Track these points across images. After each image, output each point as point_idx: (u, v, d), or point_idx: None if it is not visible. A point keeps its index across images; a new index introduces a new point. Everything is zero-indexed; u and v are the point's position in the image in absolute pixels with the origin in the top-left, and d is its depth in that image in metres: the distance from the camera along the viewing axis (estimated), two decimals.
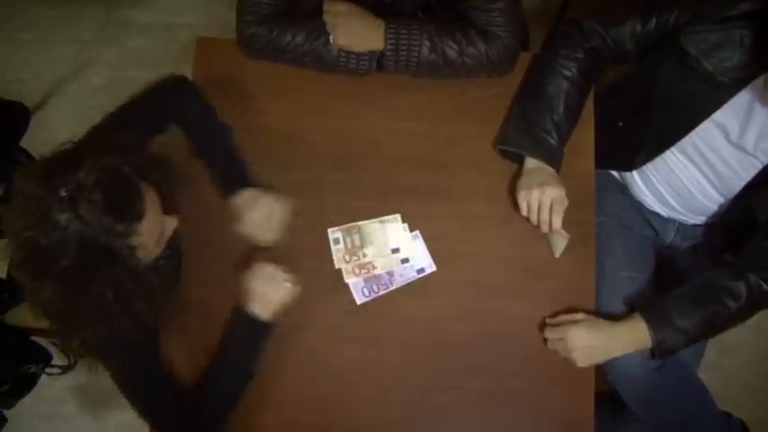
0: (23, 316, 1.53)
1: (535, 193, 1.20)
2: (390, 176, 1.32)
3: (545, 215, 1.20)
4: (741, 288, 1.17)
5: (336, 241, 1.29)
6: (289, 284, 1.16)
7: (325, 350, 1.26)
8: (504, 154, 1.30)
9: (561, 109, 1.25)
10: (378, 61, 1.27)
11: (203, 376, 1.17)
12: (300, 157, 1.32)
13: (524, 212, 1.23)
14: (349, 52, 1.26)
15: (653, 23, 1.21)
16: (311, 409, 1.24)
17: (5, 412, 1.58)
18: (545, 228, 1.22)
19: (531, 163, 1.26)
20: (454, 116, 1.35)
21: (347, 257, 1.28)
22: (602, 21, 1.26)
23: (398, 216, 1.29)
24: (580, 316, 1.21)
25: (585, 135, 1.32)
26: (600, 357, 1.22)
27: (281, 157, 1.32)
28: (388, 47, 1.24)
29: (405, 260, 1.28)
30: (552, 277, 1.27)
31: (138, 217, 0.90)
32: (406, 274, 1.28)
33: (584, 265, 1.27)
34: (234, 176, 1.22)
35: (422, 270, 1.28)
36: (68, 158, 0.89)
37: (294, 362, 1.25)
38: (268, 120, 1.34)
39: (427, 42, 1.24)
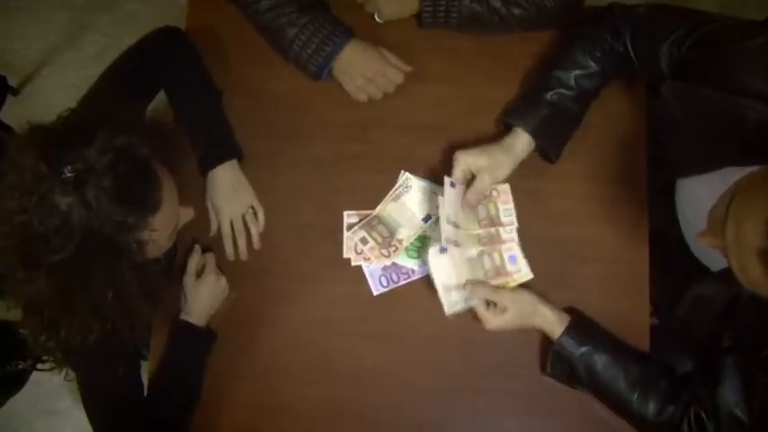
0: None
1: (470, 159, 1.09)
2: (412, 148, 1.20)
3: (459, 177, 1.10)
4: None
5: (351, 227, 1.17)
6: (212, 278, 1.11)
7: (340, 347, 1.16)
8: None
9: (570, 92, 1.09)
10: (418, 17, 1.19)
11: (147, 395, 1.09)
12: (308, 127, 1.21)
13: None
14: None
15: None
16: (327, 414, 1.15)
17: None
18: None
19: (512, 136, 1.10)
20: (484, 78, 1.22)
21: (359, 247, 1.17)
22: (634, 31, 1.05)
23: None
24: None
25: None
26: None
27: (286, 126, 1.21)
28: (425, 2, 1.15)
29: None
30: (599, 261, 1.16)
31: (154, 209, 0.82)
32: None
33: (636, 246, 1.16)
34: (214, 151, 1.13)
35: None
36: (75, 131, 0.79)
37: (305, 360, 1.16)
38: (270, 84, 1.23)
39: None
